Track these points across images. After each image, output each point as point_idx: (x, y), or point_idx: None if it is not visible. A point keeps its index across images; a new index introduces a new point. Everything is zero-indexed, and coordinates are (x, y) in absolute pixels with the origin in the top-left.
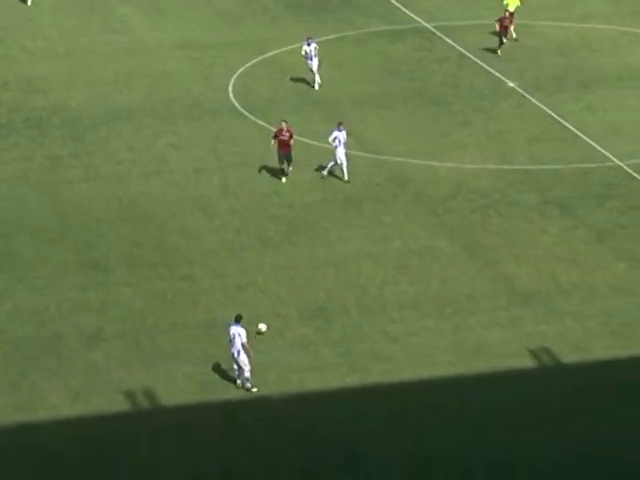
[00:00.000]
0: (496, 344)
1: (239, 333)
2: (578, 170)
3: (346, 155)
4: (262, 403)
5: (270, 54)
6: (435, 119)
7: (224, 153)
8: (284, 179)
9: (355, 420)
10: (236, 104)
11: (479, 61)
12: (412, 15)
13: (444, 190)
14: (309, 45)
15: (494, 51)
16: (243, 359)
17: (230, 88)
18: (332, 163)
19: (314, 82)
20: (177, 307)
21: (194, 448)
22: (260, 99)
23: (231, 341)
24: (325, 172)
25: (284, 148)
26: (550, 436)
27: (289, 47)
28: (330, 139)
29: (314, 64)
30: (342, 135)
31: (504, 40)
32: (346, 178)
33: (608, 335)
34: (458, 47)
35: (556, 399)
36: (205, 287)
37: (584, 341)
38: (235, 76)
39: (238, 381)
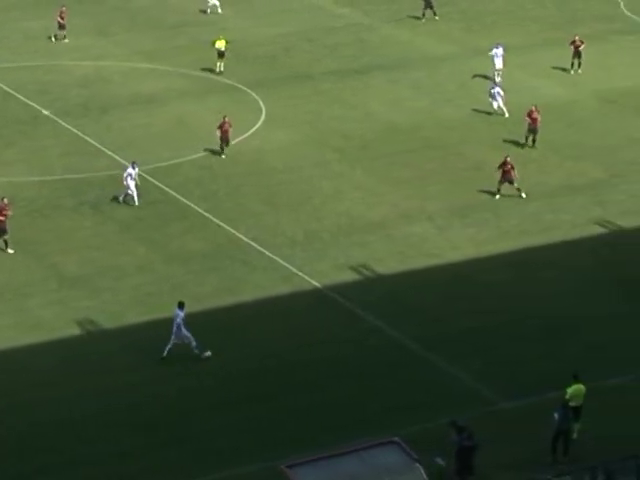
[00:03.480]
0: (50, 320)
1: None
2: (104, 176)
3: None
4: None
5: None
6: None
7: None
8: (10, 250)
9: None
10: None
11: (20, 96)
12: None
13: None
14: None
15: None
16: (185, 334)
17: None
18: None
19: None
20: None
21: None
22: None
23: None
24: (121, 199)
25: (1, 223)
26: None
27: None
28: (125, 174)
29: None
30: (134, 171)
31: (224, 146)
32: (137, 204)
33: (137, 304)
34: (2, 85)
35: (106, 356)
36: None
37: (119, 311)
38: None
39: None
